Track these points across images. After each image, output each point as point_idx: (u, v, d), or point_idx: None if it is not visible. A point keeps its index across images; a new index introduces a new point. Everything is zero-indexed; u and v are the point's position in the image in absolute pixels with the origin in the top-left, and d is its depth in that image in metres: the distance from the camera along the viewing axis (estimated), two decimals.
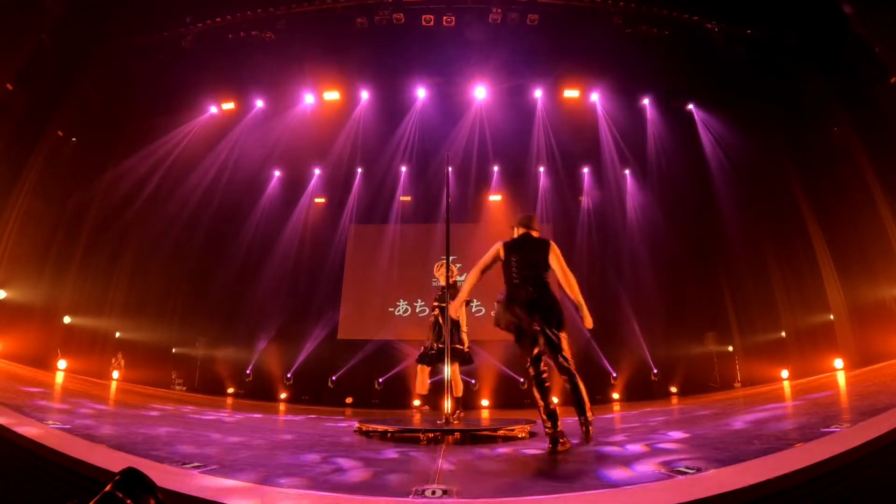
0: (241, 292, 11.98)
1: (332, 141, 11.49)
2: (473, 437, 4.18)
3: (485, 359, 10.72)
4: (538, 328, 3.38)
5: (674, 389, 10.88)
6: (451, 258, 5.25)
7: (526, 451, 3.44)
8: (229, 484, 2.15)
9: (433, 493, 2.11)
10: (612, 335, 11.46)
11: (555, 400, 3.28)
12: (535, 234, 3.81)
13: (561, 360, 3.41)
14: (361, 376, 11.35)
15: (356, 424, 4.71)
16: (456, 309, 4.46)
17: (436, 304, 5.90)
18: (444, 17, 9.19)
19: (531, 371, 3.35)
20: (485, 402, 10.78)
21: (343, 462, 3.00)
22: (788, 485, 1.84)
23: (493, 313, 3.76)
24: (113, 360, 9.97)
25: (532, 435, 4.26)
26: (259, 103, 11.02)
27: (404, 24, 9.22)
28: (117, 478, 1.18)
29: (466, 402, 10.45)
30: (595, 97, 10.99)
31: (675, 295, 11.49)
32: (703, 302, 11.47)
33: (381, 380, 11.22)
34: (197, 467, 2.41)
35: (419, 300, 12.28)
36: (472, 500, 2.14)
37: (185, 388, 10.91)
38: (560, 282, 3.64)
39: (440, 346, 5.28)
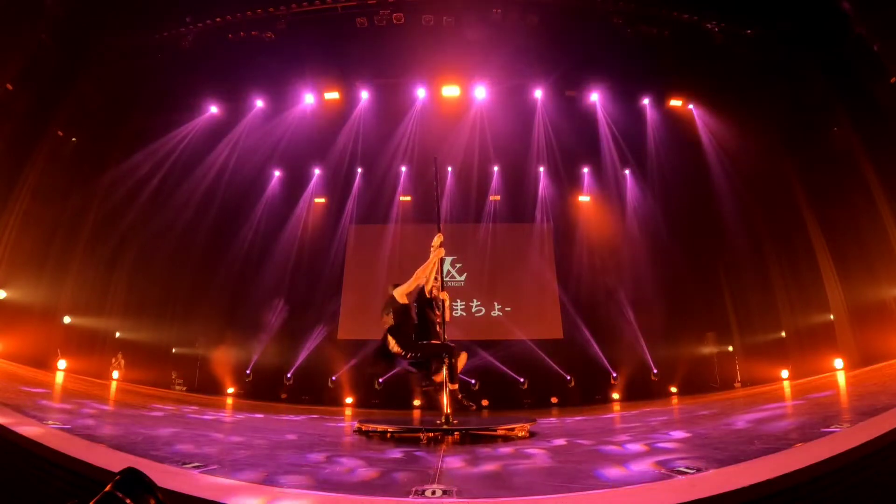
0: (241, 292, 11.97)
1: (332, 141, 11.48)
2: (473, 437, 4.18)
3: (485, 359, 10.70)
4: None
5: (674, 389, 10.87)
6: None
7: (525, 450, 3.44)
8: (229, 483, 2.15)
9: (433, 493, 2.11)
10: (612, 335, 11.45)
11: None
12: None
13: None
14: (361, 376, 11.34)
15: (356, 424, 4.71)
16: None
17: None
18: (444, 17, 9.18)
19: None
20: (484, 402, 10.76)
21: (343, 462, 3.00)
22: (788, 485, 1.84)
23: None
24: (113, 360, 9.95)
25: (532, 434, 4.26)
26: (259, 103, 11.01)
27: (404, 24, 9.22)
28: (117, 478, 1.19)
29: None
30: (595, 97, 10.97)
31: (675, 295, 11.48)
32: (703, 302, 11.46)
33: (380, 380, 11.21)
34: (197, 467, 2.41)
35: None
36: (472, 500, 2.14)
37: (185, 388, 10.88)
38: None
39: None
